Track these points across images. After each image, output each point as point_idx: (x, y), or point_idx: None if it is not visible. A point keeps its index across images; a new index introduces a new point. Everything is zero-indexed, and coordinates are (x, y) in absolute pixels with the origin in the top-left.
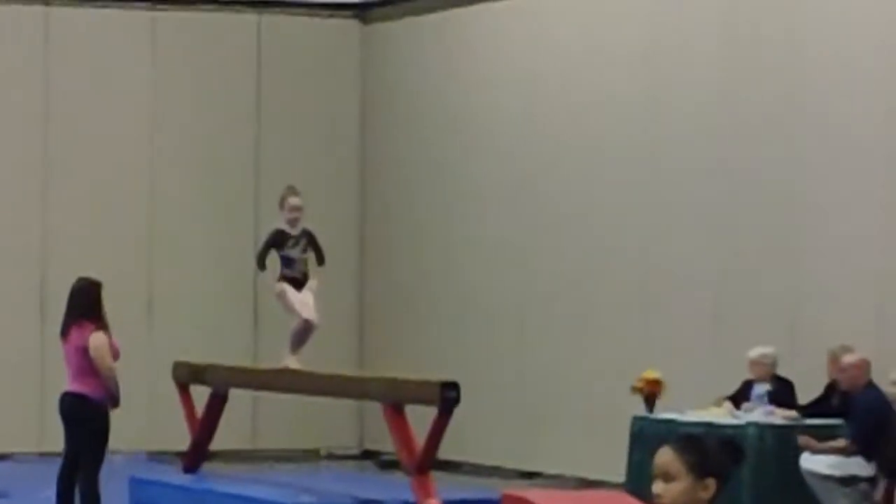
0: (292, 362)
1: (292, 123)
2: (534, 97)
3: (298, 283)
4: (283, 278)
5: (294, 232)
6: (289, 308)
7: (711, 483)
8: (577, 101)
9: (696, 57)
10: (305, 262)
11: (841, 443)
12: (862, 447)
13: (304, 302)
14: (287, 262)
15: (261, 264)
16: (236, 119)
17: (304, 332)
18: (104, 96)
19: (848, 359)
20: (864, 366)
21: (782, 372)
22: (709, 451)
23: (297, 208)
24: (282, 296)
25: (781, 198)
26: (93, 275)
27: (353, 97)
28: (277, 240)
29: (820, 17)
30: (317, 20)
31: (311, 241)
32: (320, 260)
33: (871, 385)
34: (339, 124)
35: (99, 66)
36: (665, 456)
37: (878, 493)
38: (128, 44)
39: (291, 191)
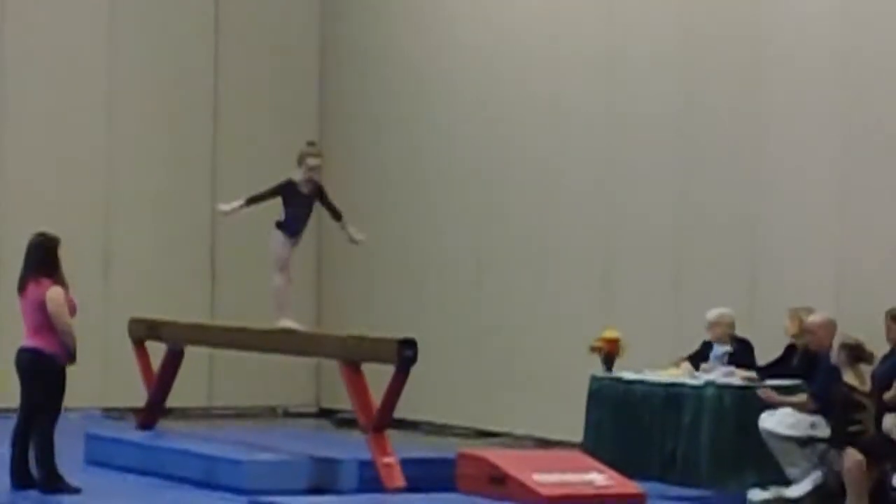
0: (287, 322)
1: (250, 75)
2: (498, 45)
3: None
4: (280, 228)
5: (306, 191)
6: (278, 261)
7: None
8: (541, 51)
9: (657, 12)
10: (306, 222)
11: (801, 398)
12: (821, 405)
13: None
14: (293, 220)
15: (249, 202)
16: (193, 71)
17: (285, 293)
18: (60, 47)
19: (814, 319)
20: (831, 326)
21: (742, 332)
22: None
23: (316, 168)
24: (275, 246)
25: (740, 157)
26: (49, 230)
27: (314, 45)
28: (287, 192)
29: None
30: None
31: (322, 198)
32: (336, 216)
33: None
34: (299, 78)
35: (53, 15)
36: None
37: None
38: None
39: (312, 149)
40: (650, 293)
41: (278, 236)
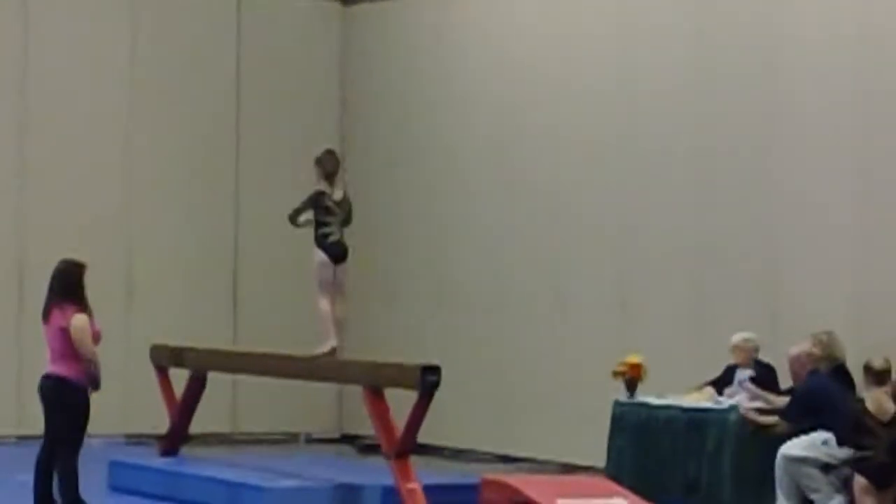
0: (320, 348)
1: (272, 105)
2: (517, 80)
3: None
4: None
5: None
6: (319, 283)
7: None
8: (557, 86)
9: (670, 42)
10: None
11: (772, 419)
12: (792, 425)
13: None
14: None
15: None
16: (216, 100)
17: (325, 317)
18: (82, 75)
19: (790, 351)
20: (803, 358)
21: (764, 357)
22: None
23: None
24: (316, 268)
25: (759, 183)
26: (72, 256)
27: (334, 79)
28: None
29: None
30: (297, 1)
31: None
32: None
33: (813, 372)
34: (319, 107)
35: (77, 43)
36: None
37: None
38: (107, 22)
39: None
40: (671, 318)
41: (318, 255)
